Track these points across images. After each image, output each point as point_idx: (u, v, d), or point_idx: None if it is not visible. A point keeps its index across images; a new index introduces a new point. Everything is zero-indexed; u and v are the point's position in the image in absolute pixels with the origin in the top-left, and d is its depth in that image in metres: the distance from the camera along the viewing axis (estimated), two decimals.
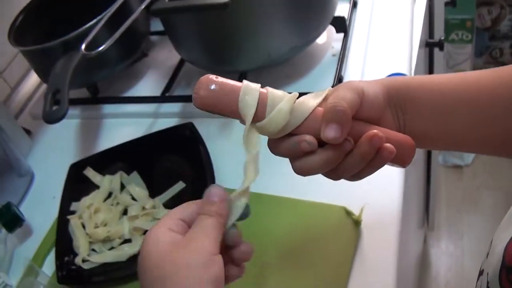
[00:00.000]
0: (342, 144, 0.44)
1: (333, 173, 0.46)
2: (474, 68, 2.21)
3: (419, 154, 1.48)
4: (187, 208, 0.45)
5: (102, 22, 0.64)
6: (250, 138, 0.45)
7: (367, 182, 0.50)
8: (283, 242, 0.65)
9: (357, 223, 0.63)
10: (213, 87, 0.44)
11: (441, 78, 0.49)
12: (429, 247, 1.86)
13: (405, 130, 0.48)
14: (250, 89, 0.45)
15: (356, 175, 0.47)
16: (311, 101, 0.45)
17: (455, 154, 2.13)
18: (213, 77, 0.45)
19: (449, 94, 0.47)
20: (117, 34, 0.63)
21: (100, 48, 0.62)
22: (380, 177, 0.53)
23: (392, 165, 0.48)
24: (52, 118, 0.71)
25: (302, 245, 0.63)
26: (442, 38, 1.11)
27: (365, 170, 0.46)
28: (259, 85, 0.46)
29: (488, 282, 0.36)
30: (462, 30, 2.01)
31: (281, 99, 0.45)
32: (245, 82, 0.45)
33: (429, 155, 1.56)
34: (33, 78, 1.15)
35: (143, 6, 0.64)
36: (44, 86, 1.10)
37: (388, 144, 0.44)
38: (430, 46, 1.13)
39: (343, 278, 0.60)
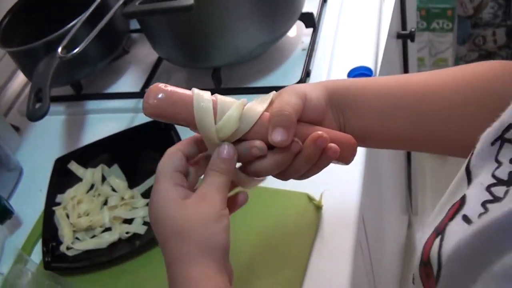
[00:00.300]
0: (290, 147, 0.46)
1: (282, 175, 0.49)
2: (457, 55, 2.25)
3: None
4: (179, 160, 0.48)
5: (78, 24, 0.67)
6: (209, 144, 0.47)
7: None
8: (249, 227, 0.68)
9: (318, 208, 0.68)
10: (161, 95, 0.45)
11: (380, 82, 0.51)
12: (414, 232, 1.90)
13: (346, 130, 0.50)
14: (202, 97, 0.46)
15: (303, 175, 0.49)
16: (258, 107, 0.47)
17: None
18: (162, 86, 0.45)
19: (385, 98, 0.49)
20: (90, 36, 0.67)
21: (75, 51, 0.66)
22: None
23: (336, 163, 0.50)
24: (35, 115, 0.75)
25: (267, 229, 0.67)
26: (413, 29, 1.15)
27: (312, 169, 0.48)
28: (209, 92, 0.47)
29: (413, 277, 0.39)
30: (443, 19, 2.04)
31: (230, 106, 0.46)
32: (195, 90, 0.46)
33: None
34: (21, 77, 1.18)
35: (115, 8, 0.68)
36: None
37: (332, 144, 0.46)
38: (402, 37, 1.17)
39: (303, 260, 0.64)
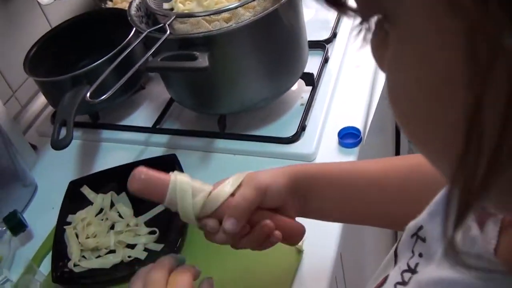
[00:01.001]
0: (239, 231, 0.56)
1: (233, 246, 0.59)
2: None
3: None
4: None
5: (107, 71, 0.77)
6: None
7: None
8: (235, 266, 0.76)
9: (299, 251, 0.77)
10: (143, 176, 0.56)
11: (334, 171, 0.61)
12: None
13: (305, 210, 0.60)
14: (178, 183, 0.56)
15: (253, 248, 0.60)
16: (225, 191, 0.57)
17: None
18: (143, 169, 0.56)
19: (336, 186, 0.59)
20: (118, 85, 0.76)
21: (103, 97, 0.76)
22: None
23: (285, 243, 0.61)
24: (59, 145, 0.84)
25: (248, 266, 0.75)
26: None
27: (261, 246, 0.59)
28: (186, 177, 0.57)
29: None
30: None
31: (200, 191, 0.56)
32: (172, 177, 0.56)
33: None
34: (42, 99, 1.27)
35: (140, 63, 0.78)
36: (50, 107, 1.23)
37: (277, 232, 0.57)
38: None
39: None
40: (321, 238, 0.79)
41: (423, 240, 0.41)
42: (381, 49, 0.29)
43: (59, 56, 1.14)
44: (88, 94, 0.73)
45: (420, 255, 0.41)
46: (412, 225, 0.43)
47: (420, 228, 0.42)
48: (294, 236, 0.61)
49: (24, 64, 1.06)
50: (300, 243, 0.76)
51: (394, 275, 0.42)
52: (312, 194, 0.59)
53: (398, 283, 0.41)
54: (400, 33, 0.25)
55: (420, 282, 0.38)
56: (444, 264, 0.36)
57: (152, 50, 0.78)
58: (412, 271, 0.40)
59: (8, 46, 1.19)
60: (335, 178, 0.60)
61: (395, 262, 0.44)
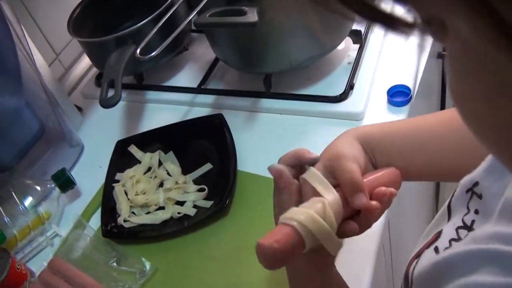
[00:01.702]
0: (372, 209, 0.51)
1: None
2: None
3: None
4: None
5: (155, 29, 0.77)
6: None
7: None
8: None
9: None
10: (270, 252, 0.45)
11: (394, 128, 0.59)
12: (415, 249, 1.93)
13: (375, 165, 0.58)
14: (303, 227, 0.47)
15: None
16: (336, 199, 0.50)
17: None
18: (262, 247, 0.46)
19: (402, 142, 0.57)
20: (166, 42, 0.76)
21: (152, 54, 0.76)
22: None
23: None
24: (108, 103, 0.85)
25: None
26: None
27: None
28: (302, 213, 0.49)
29: (401, 286, 0.48)
30: None
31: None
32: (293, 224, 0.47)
33: None
34: (85, 61, 1.28)
35: (188, 19, 0.77)
36: (94, 69, 1.24)
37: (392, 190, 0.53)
38: (442, 57, 1.24)
39: None
40: None
41: (479, 196, 0.40)
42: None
43: (102, 17, 1.13)
44: (138, 51, 0.73)
45: (476, 211, 0.40)
46: (467, 180, 0.42)
47: (476, 184, 0.41)
48: (398, 182, 0.56)
49: (68, 25, 1.07)
50: None
51: (449, 231, 0.41)
52: (377, 155, 0.57)
53: (453, 239, 0.40)
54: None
55: (475, 237, 0.37)
56: (502, 221, 0.35)
57: (200, 5, 0.77)
58: (469, 228, 0.39)
59: (51, 10, 1.20)
60: (397, 136, 0.58)
61: (449, 217, 0.43)
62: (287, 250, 0.46)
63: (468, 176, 0.42)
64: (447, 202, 0.45)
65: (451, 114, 0.58)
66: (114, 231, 0.84)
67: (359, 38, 0.99)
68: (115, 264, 0.81)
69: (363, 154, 0.56)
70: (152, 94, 1.10)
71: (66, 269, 0.80)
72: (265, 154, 0.89)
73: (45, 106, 0.99)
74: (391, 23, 0.25)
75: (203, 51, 1.15)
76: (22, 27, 0.94)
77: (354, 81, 0.94)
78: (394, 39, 1.03)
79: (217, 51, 1.01)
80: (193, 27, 1.16)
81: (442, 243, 0.41)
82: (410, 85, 0.91)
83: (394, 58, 0.99)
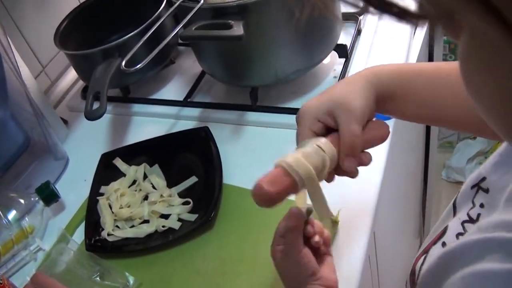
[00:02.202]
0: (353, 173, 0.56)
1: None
2: None
3: (417, 169, 1.59)
4: (279, 225, 0.60)
5: (140, 42, 0.77)
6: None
7: (346, 187, 0.61)
8: (265, 235, 0.76)
9: (335, 223, 0.76)
10: (265, 186, 0.51)
11: (411, 71, 0.59)
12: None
13: (385, 109, 0.59)
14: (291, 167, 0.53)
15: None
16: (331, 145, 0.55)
17: (458, 171, 2.23)
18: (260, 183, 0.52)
19: (419, 86, 0.58)
20: (151, 55, 0.76)
21: (138, 66, 0.75)
22: (358, 183, 0.65)
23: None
24: (92, 116, 0.84)
25: None
26: None
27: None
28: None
29: (406, 282, 0.48)
30: None
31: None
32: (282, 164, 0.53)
33: (425, 172, 1.67)
34: (71, 74, 1.28)
35: (174, 32, 0.77)
36: (80, 82, 1.23)
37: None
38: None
39: None
40: (357, 210, 0.78)
41: (486, 191, 0.40)
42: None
43: (89, 30, 1.13)
44: (123, 63, 0.73)
45: (482, 205, 0.40)
46: (473, 177, 0.43)
47: (483, 179, 0.41)
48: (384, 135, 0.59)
49: (55, 38, 1.06)
50: (335, 214, 0.76)
51: (454, 225, 0.42)
52: (395, 97, 0.58)
53: (459, 233, 0.40)
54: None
55: (481, 227, 0.37)
56: (508, 209, 0.35)
57: (186, 19, 0.77)
58: (474, 221, 0.40)
59: (37, 22, 1.20)
60: (413, 79, 0.58)
61: (454, 214, 0.43)
62: (280, 190, 0.51)
63: (474, 173, 0.43)
64: (452, 201, 0.45)
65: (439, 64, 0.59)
66: (98, 245, 0.83)
67: (344, 52, 0.99)
68: (98, 278, 0.79)
69: (373, 107, 0.57)
70: (138, 107, 1.09)
71: (50, 284, 0.79)
72: (251, 167, 0.89)
73: (31, 118, 0.98)
74: (402, 14, 0.25)
75: (189, 65, 1.15)
76: (8, 38, 0.93)
77: None
78: (379, 53, 1.04)
79: (203, 65, 1.01)
80: (180, 41, 1.16)
81: (449, 238, 0.42)
82: None
83: None
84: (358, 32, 1.07)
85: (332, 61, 1.03)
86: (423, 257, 0.43)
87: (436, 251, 0.42)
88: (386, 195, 0.91)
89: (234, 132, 0.97)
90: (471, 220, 0.40)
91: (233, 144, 0.95)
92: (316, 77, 1.01)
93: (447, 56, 2.14)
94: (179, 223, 0.82)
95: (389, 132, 0.59)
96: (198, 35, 0.77)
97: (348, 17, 1.08)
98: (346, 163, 0.55)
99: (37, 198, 0.90)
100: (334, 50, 0.98)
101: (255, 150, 0.93)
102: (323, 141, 0.55)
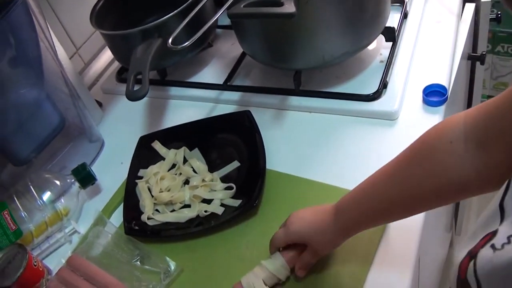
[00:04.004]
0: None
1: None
2: None
3: None
4: None
5: (185, 22, 0.74)
6: None
7: None
8: None
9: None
10: None
11: (358, 194, 0.64)
12: (454, 251, 1.92)
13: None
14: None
15: None
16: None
17: None
18: None
19: (362, 207, 0.63)
20: (198, 34, 0.73)
21: (185, 44, 0.73)
22: None
23: None
24: (134, 96, 0.82)
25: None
26: (484, 52, 1.18)
27: None
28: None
29: None
30: (509, 43, 2.04)
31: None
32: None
33: None
34: (105, 57, 1.26)
35: (219, 13, 0.74)
36: (115, 65, 1.22)
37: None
38: (472, 59, 1.20)
39: (370, 255, 0.69)
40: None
41: None
42: None
43: (124, 12, 1.11)
44: (169, 40, 0.70)
45: None
46: None
47: None
48: None
49: (91, 18, 1.04)
50: None
51: (506, 229, 0.39)
52: (350, 226, 0.65)
53: (511, 236, 0.37)
54: None
55: None
56: None
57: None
58: None
59: (71, 3, 1.18)
60: (358, 202, 0.64)
61: (502, 217, 0.40)
62: None
63: None
64: (497, 202, 0.42)
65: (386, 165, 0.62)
66: (137, 229, 0.81)
67: (392, 35, 0.95)
68: (138, 263, 0.77)
69: (317, 234, 0.66)
70: (175, 90, 1.07)
71: (86, 266, 0.77)
72: (294, 153, 0.86)
73: (66, 99, 0.96)
74: None
75: (228, 48, 1.12)
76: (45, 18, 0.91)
77: (387, 80, 0.91)
78: (426, 37, 1.00)
79: (245, 46, 0.97)
80: (218, 23, 1.13)
81: (498, 241, 0.38)
82: (445, 85, 0.88)
83: (427, 57, 0.96)
84: (405, 15, 1.03)
85: (378, 46, 0.99)
86: (471, 262, 0.40)
87: (486, 254, 0.38)
88: None
89: (276, 116, 0.94)
90: None
91: (274, 129, 0.92)
92: (361, 62, 0.97)
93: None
94: (222, 209, 0.79)
95: None
96: (248, 12, 0.73)
97: (394, 0, 1.04)
98: (299, 273, 0.68)
99: (73, 180, 0.89)
100: (381, 33, 0.94)
101: (298, 136, 0.89)
102: (283, 264, 0.68)
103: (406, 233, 0.72)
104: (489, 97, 1.68)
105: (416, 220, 0.73)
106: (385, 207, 0.61)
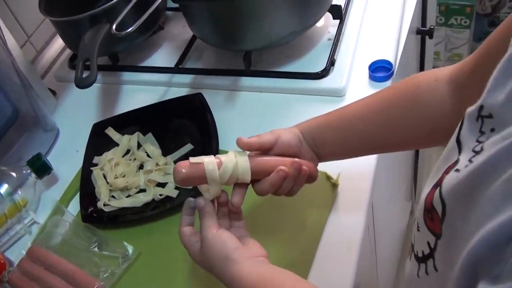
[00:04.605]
0: (279, 172, 0.61)
1: (276, 193, 0.64)
2: (472, 52, 2.29)
3: None
4: (184, 230, 0.65)
5: (130, 5, 0.74)
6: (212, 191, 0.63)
7: None
8: (268, 200, 0.75)
9: (334, 186, 0.75)
10: (183, 170, 0.61)
11: (331, 119, 0.68)
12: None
13: (319, 153, 0.67)
14: (210, 163, 0.61)
15: (289, 192, 0.65)
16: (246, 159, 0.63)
17: None
18: (181, 164, 0.61)
19: (337, 130, 0.67)
20: (142, 18, 0.73)
21: (129, 30, 0.73)
22: None
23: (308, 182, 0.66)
24: (83, 83, 0.82)
25: (286, 200, 0.71)
26: (432, 27, 1.21)
27: (294, 188, 0.64)
28: (213, 157, 0.62)
29: (418, 224, 0.48)
30: (462, 15, 2.09)
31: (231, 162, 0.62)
32: (205, 159, 0.62)
33: None
34: (57, 44, 1.25)
35: None
36: (67, 52, 1.20)
37: (304, 166, 0.62)
38: (421, 33, 1.23)
39: (319, 230, 0.72)
40: (357, 173, 0.77)
41: (489, 116, 0.40)
42: None
43: None
44: (113, 27, 0.70)
45: (492, 130, 0.39)
46: (472, 109, 0.42)
47: (481, 107, 0.41)
48: (313, 172, 0.66)
49: (40, 5, 1.03)
50: (335, 177, 0.75)
51: (465, 156, 0.41)
52: (318, 140, 0.67)
53: (471, 157, 0.39)
54: None
55: (503, 136, 0.37)
56: None
57: None
58: (482, 143, 0.39)
59: None
60: (327, 127, 0.67)
61: (460, 149, 0.42)
62: (194, 174, 0.61)
63: (472, 107, 0.42)
64: (454, 137, 0.44)
65: (369, 98, 0.67)
66: (94, 216, 0.82)
67: (339, 13, 0.97)
68: (96, 249, 0.78)
69: (292, 137, 0.65)
70: (128, 75, 1.07)
71: (46, 256, 0.78)
72: (247, 133, 0.87)
73: (18, 90, 0.95)
74: None
75: (179, 30, 1.12)
76: None
77: (335, 57, 0.93)
78: (373, 14, 1.02)
79: (194, 29, 0.98)
80: (168, 6, 1.13)
81: (461, 165, 0.41)
82: (391, 60, 0.90)
83: (374, 33, 0.98)
84: None
85: (326, 24, 1.01)
86: (437, 189, 0.42)
87: (451, 177, 0.41)
88: (383, 159, 0.90)
89: (228, 98, 0.95)
90: (481, 143, 0.39)
91: (227, 110, 0.93)
92: (310, 40, 0.99)
93: (437, 19, 2.12)
94: (177, 191, 0.81)
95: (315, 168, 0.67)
96: None
97: None
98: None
99: (29, 171, 0.89)
100: (328, 11, 0.96)
101: (250, 116, 0.91)
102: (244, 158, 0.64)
103: (356, 198, 0.76)
104: None
105: (364, 186, 0.77)
106: (367, 142, 0.66)
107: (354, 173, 0.77)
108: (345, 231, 0.72)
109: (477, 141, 0.40)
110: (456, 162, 0.42)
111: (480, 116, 0.41)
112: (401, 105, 0.63)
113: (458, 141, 0.43)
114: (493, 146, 0.37)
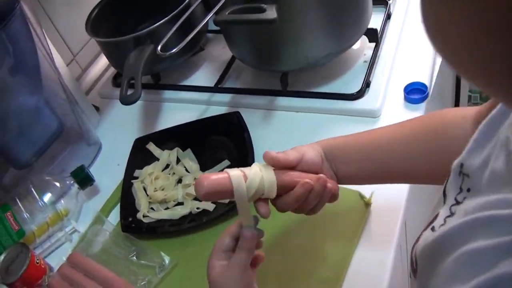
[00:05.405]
0: (306, 184, 0.60)
1: (299, 209, 0.64)
2: None
3: None
4: (224, 241, 0.62)
5: (174, 28, 0.78)
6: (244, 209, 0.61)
7: None
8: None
9: (367, 205, 0.76)
10: (205, 183, 0.58)
11: (354, 140, 0.68)
12: None
13: (337, 174, 0.66)
14: (236, 177, 0.59)
15: (311, 210, 0.64)
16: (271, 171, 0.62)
17: None
18: (203, 178, 0.59)
19: (358, 153, 0.66)
20: (187, 39, 0.77)
21: (173, 51, 0.77)
22: None
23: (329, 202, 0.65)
24: (128, 100, 0.86)
25: (318, 218, 0.71)
26: None
27: (318, 205, 0.63)
28: (238, 170, 0.61)
29: (409, 273, 0.49)
30: None
31: (257, 176, 0.60)
32: (230, 172, 0.60)
33: None
34: (101, 63, 1.30)
35: (207, 18, 0.78)
36: (111, 70, 1.25)
37: (329, 184, 0.62)
38: None
39: (351, 248, 0.73)
40: (390, 191, 0.78)
41: (467, 175, 0.42)
42: None
43: (119, 19, 1.14)
44: (159, 48, 0.74)
45: (468, 190, 0.41)
46: (456, 163, 0.44)
47: (461, 166, 0.43)
48: (336, 193, 0.65)
49: (86, 26, 1.08)
50: (368, 196, 0.76)
51: (443, 212, 0.43)
52: (338, 160, 0.66)
53: (447, 216, 0.42)
54: None
55: (467, 210, 0.39)
56: (491, 190, 0.37)
57: (219, 4, 0.78)
58: (459, 203, 0.41)
59: (67, 11, 1.22)
60: (348, 148, 0.67)
61: (444, 201, 0.44)
62: (217, 188, 0.59)
63: (456, 160, 0.44)
64: (443, 186, 0.46)
65: (394, 127, 0.67)
66: (133, 226, 0.85)
67: (375, 36, 0.99)
68: (134, 258, 0.81)
69: (316, 159, 0.65)
70: (169, 94, 1.11)
71: (86, 263, 0.80)
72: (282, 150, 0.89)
73: (64, 105, 1.00)
74: None
75: (219, 51, 1.16)
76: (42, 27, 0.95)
77: (370, 79, 0.95)
78: (409, 37, 1.03)
79: (234, 50, 1.01)
80: (209, 28, 1.17)
81: (438, 222, 0.43)
82: (427, 83, 0.92)
83: (410, 56, 1.00)
84: (388, 16, 1.07)
85: (362, 46, 1.03)
86: (416, 244, 0.45)
87: (425, 236, 0.43)
88: None
89: (265, 117, 0.98)
90: (458, 203, 0.41)
91: (263, 129, 0.96)
92: (346, 62, 1.01)
93: None
94: (213, 205, 0.83)
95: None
96: (232, 19, 0.78)
97: (377, 1, 1.08)
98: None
99: (72, 182, 0.93)
100: (365, 34, 0.98)
101: (286, 135, 0.93)
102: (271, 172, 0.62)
103: (388, 218, 0.76)
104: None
105: (397, 207, 0.77)
106: (386, 170, 0.65)
107: (387, 193, 0.78)
108: (377, 251, 0.73)
109: (455, 199, 0.42)
110: (436, 216, 0.44)
111: (461, 172, 0.43)
112: (425, 138, 0.64)
113: (444, 193, 0.46)
114: (458, 216, 0.40)
